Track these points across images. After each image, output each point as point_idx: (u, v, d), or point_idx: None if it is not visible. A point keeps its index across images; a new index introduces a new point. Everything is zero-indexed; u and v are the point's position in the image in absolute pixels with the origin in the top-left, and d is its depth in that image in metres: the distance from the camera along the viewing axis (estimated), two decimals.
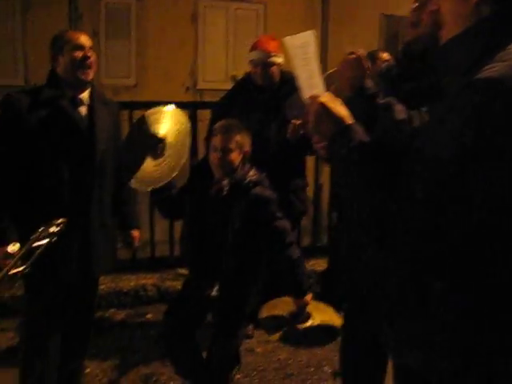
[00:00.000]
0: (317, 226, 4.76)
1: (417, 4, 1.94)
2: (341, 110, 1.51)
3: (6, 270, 2.23)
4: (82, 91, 2.53)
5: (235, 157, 2.47)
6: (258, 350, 3.52)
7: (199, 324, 2.65)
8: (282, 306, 2.63)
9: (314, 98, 1.53)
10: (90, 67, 2.48)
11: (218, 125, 2.53)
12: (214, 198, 2.47)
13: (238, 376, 3.17)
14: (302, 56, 1.59)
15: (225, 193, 2.46)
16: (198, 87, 8.41)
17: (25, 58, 7.66)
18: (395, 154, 1.51)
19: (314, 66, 1.57)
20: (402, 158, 1.47)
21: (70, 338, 2.71)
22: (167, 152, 2.46)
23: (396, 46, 8.92)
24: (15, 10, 7.54)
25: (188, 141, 2.51)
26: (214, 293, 2.49)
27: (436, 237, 1.31)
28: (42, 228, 2.20)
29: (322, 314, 2.64)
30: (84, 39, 2.50)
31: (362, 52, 1.93)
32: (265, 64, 3.39)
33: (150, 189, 2.51)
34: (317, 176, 4.54)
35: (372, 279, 1.93)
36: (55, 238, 2.21)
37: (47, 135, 2.42)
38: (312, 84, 1.59)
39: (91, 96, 2.56)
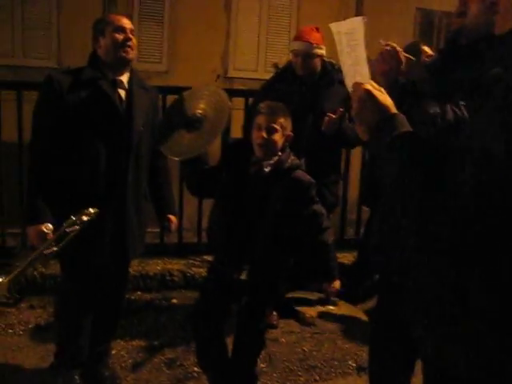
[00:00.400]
0: (344, 220, 4.73)
1: None
2: (386, 98, 1.51)
3: (40, 249, 2.28)
4: (122, 74, 2.54)
5: (279, 138, 2.45)
6: (282, 340, 3.52)
7: (228, 312, 2.65)
8: (308, 294, 2.65)
9: (358, 84, 1.53)
10: (131, 47, 2.49)
11: (263, 104, 2.51)
12: (253, 177, 2.45)
13: (263, 365, 3.18)
14: (348, 42, 1.57)
15: (265, 173, 2.44)
16: (228, 75, 8.39)
17: (58, 40, 7.72)
18: (432, 146, 1.50)
19: (361, 52, 1.54)
20: (441, 150, 1.46)
21: (100, 320, 2.74)
22: (204, 126, 2.45)
23: (431, 39, 8.80)
24: None
25: (226, 117, 2.49)
26: (243, 277, 2.48)
27: (481, 233, 1.29)
28: (73, 217, 2.26)
29: (347, 307, 2.65)
30: (125, 22, 2.52)
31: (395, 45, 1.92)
32: (306, 55, 3.37)
33: (181, 158, 2.50)
34: (345, 169, 4.51)
35: (408, 275, 1.91)
36: (86, 225, 2.28)
37: (86, 116, 2.44)
38: (357, 71, 1.57)
39: (130, 80, 2.57)
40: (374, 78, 1.65)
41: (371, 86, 1.51)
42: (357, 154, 4.52)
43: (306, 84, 3.41)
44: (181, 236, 4.37)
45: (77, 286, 2.57)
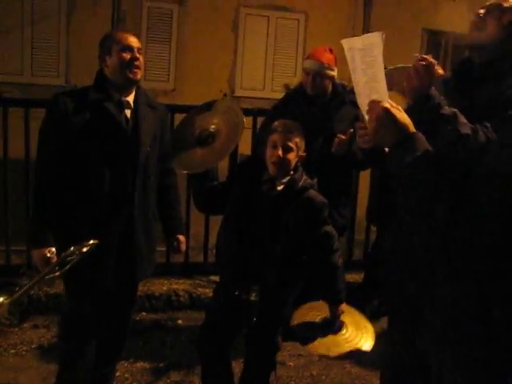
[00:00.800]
0: (351, 240, 4.67)
1: (483, 9, 1.88)
2: (404, 116, 1.50)
3: (41, 274, 2.23)
4: (128, 94, 2.49)
5: (293, 157, 2.41)
6: (290, 363, 3.45)
7: (236, 334, 2.59)
8: (313, 313, 2.58)
9: (376, 103, 1.50)
10: (138, 68, 2.44)
11: (278, 123, 2.47)
12: (265, 195, 2.41)
13: None
14: (363, 59, 1.53)
15: (278, 191, 2.41)
16: (235, 94, 8.41)
17: (67, 58, 7.76)
18: (457, 166, 1.47)
19: (379, 69, 1.51)
20: (466, 172, 1.43)
21: (105, 342, 2.69)
22: (216, 141, 2.40)
23: (437, 60, 8.81)
24: (61, 10, 7.65)
25: (239, 133, 2.43)
26: (252, 297, 2.43)
27: (504, 256, 1.25)
28: (73, 248, 2.19)
29: (355, 325, 2.58)
30: (133, 40, 2.47)
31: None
32: (317, 74, 3.34)
33: (191, 171, 2.47)
34: (354, 190, 4.46)
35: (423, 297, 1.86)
36: (84, 254, 2.23)
37: (92, 137, 2.39)
38: (373, 88, 1.53)
39: (136, 99, 2.52)
40: (398, 89, 1.62)
41: (389, 103, 1.48)
42: (364, 174, 4.48)
43: (316, 105, 3.37)
44: (187, 255, 4.31)
45: (81, 307, 2.52)
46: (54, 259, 2.26)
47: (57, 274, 2.22)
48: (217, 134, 2.40)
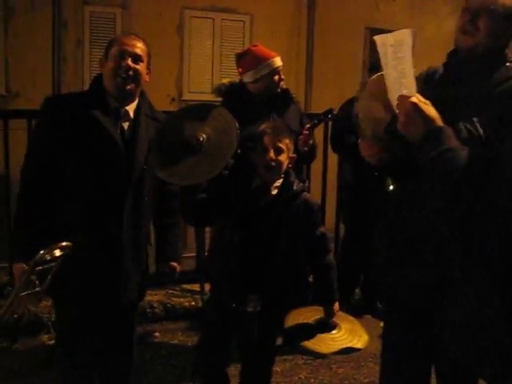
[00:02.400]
0: None
1: (469, 14, 1.87)
2: (432, 111, 1.52)
3: (16, 290, 2.07)
4: (129, 102, 2.28)
5: (284, 159, 2.36)
6: (277, 368, 3.39)
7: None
8: (306, 314, 2.57)
9: (405, 97, 1.54)
10: (129, 77, 2.22)
11: (266, 125, 2.40)
12: (260, 202, 2.34)
13: None
14: (394, 55, 1.56)
15: (272, 196, 2.35)
16: (183, 98, 8.29)
17: (6, 65, 7.41)
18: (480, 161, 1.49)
19: (408, 65, 1.55)
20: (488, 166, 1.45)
21: (110, 373, 2.54)
22: (209, 151, 2.18)
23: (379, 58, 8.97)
24: None
25: (235, 141, 2.17)
26: (251, 308, 2.35)
27: None
28: (42, 251, 2.02)
29: (349, 325, 2.59)
30: (130, 46, 2.24)
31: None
32: (278, 73, 3.34)
33: (184, 183, 2.25)
34: (323, 185, 4.47)
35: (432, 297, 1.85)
36: (60, 261, 2.08)
37: (80, 149, 2.19)
38: (403, 84, 1.57)
39: (138, 109, 2.31)
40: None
41: (417, 98, 1.52)
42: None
43: (265, 105, 3.31)
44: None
45: (71, 325, 2.36)
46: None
47: (37, 289, 2.07)
48: (208, 143, 2.19)
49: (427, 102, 1.53)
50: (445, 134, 1.49)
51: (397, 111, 1.60)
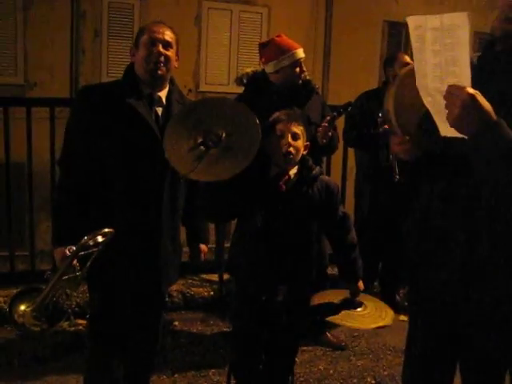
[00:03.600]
0: None
1: None
2: (487, 104, 1.44)
3: (58, 274, 2.11)
4: (161, 89, 2.34)
5: (301, 145, 2.35)
6: (296, 359, 3.39)
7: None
8: (331, 296, 2.55)
9: (459, 88, 1.42)
10: (161, 62, 2.27)
11: (280, 112, 2.38)
12: (280, 189, 2.33)
13: None
14: (438, 40, 1.44)
15: (292, 182, 2.34)
16: (199, 89, 8.31)
17: (25, 55, 7.46)
18: None
19: (463, 52, 1.41)
20: None
21: (135, 358, 2.56)
22: (230, 148, 2.13)
23: (395, 50, 8.92)
24: (16, 7, 7.34)
25: (258, 136, 2.11)
26: (280, 298, 2.35)
27: None
28: (86, 237, 2.08)
29: (375, 306, 2.57)
30: (160, 33, 2.29)
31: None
32: (300, 64, 3.31)
33: (213, 179, 2.17)
34: (344, 172, 4.47)
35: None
36: (103, 247, 2.12)
37: (118, 134, 2.23)
38: (452, 72, 1.44)
39: (169, 95, 2.36)
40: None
41: (473, 90, 1.41)
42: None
43: (286, 96, 3.29)
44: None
45: (106, 311, 2.38)
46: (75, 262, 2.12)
47: (78, 273, 2.11)
48: (228, 138, 2.13)
49: (478, 92, 1.43)
50: (503, 128, 1.42)
51: (426, 100, 1.54)
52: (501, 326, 1.76)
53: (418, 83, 1.57)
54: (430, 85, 1.52)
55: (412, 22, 1.52)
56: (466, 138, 1.46)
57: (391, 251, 3.97)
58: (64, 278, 2.13)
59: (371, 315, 2.46)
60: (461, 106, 1.39)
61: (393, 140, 1.92)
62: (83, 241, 2.08)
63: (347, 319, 2.39)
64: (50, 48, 7.41)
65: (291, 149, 2.30)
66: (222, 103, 2.26)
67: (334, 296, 2.55)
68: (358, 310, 2.44)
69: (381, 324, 2.46)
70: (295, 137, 2.33)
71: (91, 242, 2.11)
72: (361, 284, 2.50)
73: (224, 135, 2.13)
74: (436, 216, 1.96)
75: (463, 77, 1.42)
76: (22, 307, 2.06)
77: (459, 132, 1.44)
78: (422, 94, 1.57)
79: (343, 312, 2.41)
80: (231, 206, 2.33)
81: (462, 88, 1.40)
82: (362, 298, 2.52)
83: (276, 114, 2.41)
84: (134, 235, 2.26)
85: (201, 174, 2.12)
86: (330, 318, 2.44)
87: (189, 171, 2.11)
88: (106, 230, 2.13)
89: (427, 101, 1.56)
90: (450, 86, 1.43)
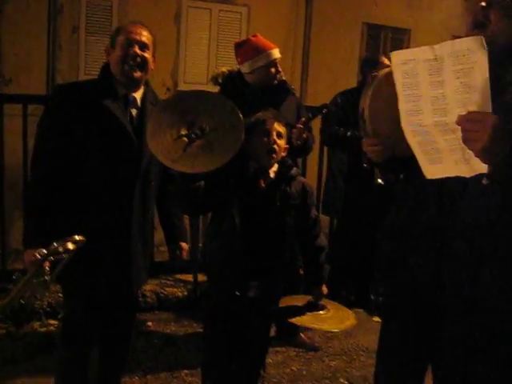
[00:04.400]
0: None
1: (484, 3, 1.84)
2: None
3: (27, 277, 2.07)
4: (136, 90, 2.31)
5: (283, 144, 2.39)
6: (269, 360, 3.39)
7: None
8: (295, 301, 2.58)
9: (483, 113, 1.33)
10: (137, 64, 2.25)
11: (263, 112, 2.42)
12: (259, 186, 2.35)
13: None
14: (440, 70, 1.37)
15: (271, 179, 2.37)
16: (178, 88, 8.24)
17: (0, 51, 7.33)
18: None
19: (480, 77, 1.31)
20: None
21: (107, 359, 2.55)
22: (214, 141, 2.12)
23: (377, 52, 8.96)
24: None
25: (240, 138, 2.12)
26: (252, 294, 2.36)
27: None
28: (56, 243, 2.02)
29: (337, 309, 2.59)
30: (137, 34, 2.27)
31: None
32: (275, 65, 3.31)
33: (192, 171, 2.13)
34: (319, 173, 4.48)
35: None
36: (73, 255, 2.08)
37: (91, 136, 2.21)
38: (468, 99, 1.34)
39: (144, 96, 2.34)
40: None
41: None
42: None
43: (261, 96, 3.29)
44: (152, 254, 4.17)
45: (78, 312, 2.36)
46: (44, 262, 2.08)
47: (46, 277, 2.07)
48: (212, 132, 2.13)
49: None
50: None
51: (413, 143, 1.48)
52: (472, 328, 1.77)
53: (403, 123, 1.49)
54: (425, 121, 1.43)
55: (397, 57, 1.44)
56: (491, 167, 1.37)
57: (366, 252, 4.00)
58: (33, 281, 2.09)
59: (336, 317, 2.49)
60: (491, 130, 1.29)
61: (365, 141, 1.93)
62: (53, 247, 2.02)
63: (316, 322, 2.42)
64: (27, 44, 7.28)
65: (275, 146, 2.34)
66: (209, 97, 2.24)
67: (299, 301, 2.58)
68: (321, 312, 2.47)
69: (348, 324, 2.49)
70: (279, 135, 2.37)
71: (61, 249, 2.07)
72: (324, 288, 2.52)
73: (208, 129, 2.13)
74: (410, 218, 1.97)
75: (482, 102, 1.32)
76: None
77: (487, 161, 1.34)
78: (407, 134, 1.49)
79: (311, 315, 2.44)
80: (206, 201, 2.33)
81: (486, 112, 1.32)
82: (323, 301, 2.56)
83: (262, 113, 2.44)
84: (105, 236, 2.24)
85: (182, 165, 2.11)
86: (301, 322, 2.46)
87: (170, 161, 2.10)
88: (77, 237, 2.08)
89: (415, 141, 1.48)
90: (469, 113, 1.33)
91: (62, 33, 7.68)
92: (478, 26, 1.83)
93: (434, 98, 1.39)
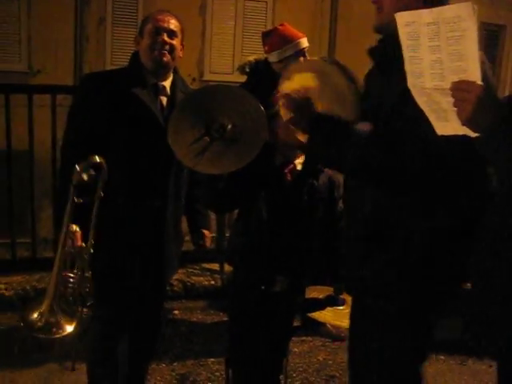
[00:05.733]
0: None
1: None
2: (497, 98, 1.39)
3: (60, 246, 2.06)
4: (165, 78, 2.32)
5: None
6: (295, 349, 3.41)
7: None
8: (315, 293, 2.56)
9: (470, 82, 1.33)
10: (165, 50, 2.25)
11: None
12: (286, 178, 2.31)
13: (280, 377, 3.06)
14: (438, 34, 1.34)
15: (299, 171, 2.33)
16: (204, 78, 8.26)
17: (29, 42, 7.43)
18: None
19: (470, 45, 1.30)
20: None
21: (137, 345, 2.57)
22: (236, 139, 2.06)
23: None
24: None
25: (265, 129, 2.04)
26: (278, 289, 2.35)
27: None
28: (77, 168, 1.99)
29: None
30: (165, 22, 2.27)
31: None
32: (305, 53, 3.30)
33: (217, 172, 2.12)
34: None
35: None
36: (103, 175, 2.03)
37: (122, 125, 2.21)
38: (458, 67, 1.34)
39: (173, 84, 2.35)
40: None
41: (482, 85, 1.33)
42: None
43: None
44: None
45: (112, 306, 2.37)
46: (78, 236, 2.06)
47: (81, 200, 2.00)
48: (234, 129, 2.06)
49: None
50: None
51: (421, 103, 1.46)
52: None
53: (409, 83, 1.47)
54: (427, 84, 1.42)
55: (402, 18, 1.41)
56: (478, 135, 1.37)
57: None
58: (70, 250, 2.08)
59: None
60: (475, 101, 1.30)
61: (278, 122, 1.91)
62: (76, 173, 2.01)
63: (337, 318, 2.41)
64: (55, 35, 7.37)
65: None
66: (228, 91, 2.15)
67: (320, 293, 2.56)
68: (341, 308, 2.45)
69: None
70: None
71: (85, 177, 2.03)
72: None
73: (230, 126, 2.06)
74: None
75: (471, 71, 1.32)
76: (35, 314, 2.00)
77: (473, 129, 1.35)
78: (414, 94, 1.47)
79: (331, 310, 2.42)
80: (232, 197, 2.31)
81: (473, 82, 1.31)
82: (344, 296, 2.54)
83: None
84: (138, 224, 2.26)
85: (205, 166, 2.07)
86: (321, 317, 2.45)
87: (193, 164, 2.07)
88: (96, 158, 2.05)
89: (422, 101, 1.47)
90: (458, 82, 1.33)
91: (88, 24, 7.76)
92: (378, 9, 1.76)
93: (432, 62, 1.39)
